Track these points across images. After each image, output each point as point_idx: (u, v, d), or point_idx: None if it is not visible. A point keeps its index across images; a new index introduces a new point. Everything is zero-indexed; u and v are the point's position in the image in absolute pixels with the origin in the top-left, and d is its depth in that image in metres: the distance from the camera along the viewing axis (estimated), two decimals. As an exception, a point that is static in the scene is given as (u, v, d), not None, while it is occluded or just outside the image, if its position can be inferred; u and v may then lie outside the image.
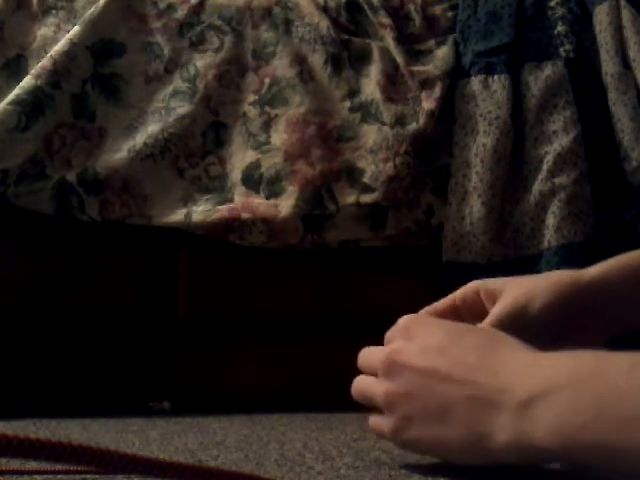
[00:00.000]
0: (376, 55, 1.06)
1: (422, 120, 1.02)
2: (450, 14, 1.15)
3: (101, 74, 0.96)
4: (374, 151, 1.01)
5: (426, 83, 1.05)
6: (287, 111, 1.01)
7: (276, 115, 1.01)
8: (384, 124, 1.02)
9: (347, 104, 1.03)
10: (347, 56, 1.04)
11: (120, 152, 0.95)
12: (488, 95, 1.04)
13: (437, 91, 1.04)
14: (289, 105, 1.01)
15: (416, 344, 0.51)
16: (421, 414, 0.49)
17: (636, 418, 0.39)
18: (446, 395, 0.48)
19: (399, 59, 1.06)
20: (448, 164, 1.04)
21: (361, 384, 0.55)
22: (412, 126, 1.02)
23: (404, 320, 0.55)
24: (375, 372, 0.53)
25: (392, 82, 1.05)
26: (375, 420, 0.53)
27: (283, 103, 1.01)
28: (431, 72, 1.06)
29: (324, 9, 1.08)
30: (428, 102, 1.03)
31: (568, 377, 0.43)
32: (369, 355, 0.55)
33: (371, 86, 1.04)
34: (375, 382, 0.53)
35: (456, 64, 1.08)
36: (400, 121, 1.03)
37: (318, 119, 1.01)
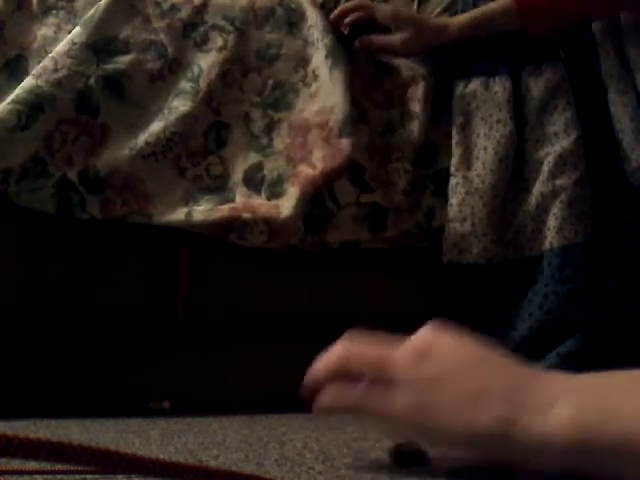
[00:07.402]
0: (360, 57, 1.07)
1: (411, 127, 1.03)
2: (445, 15, 1.15)
3: (104, 69, 0.96)
4: (371, 151, 1.01)
5: (410, 82, 1.06)
6: (290, 116, 1.01)
7: (279, 119, 1.01)
8: (375, 132, 1.02)
9: (348, 96, 1.02)
10: (343, 51, 1.04)
11: (122, 150, 0.94)
12: (489, 97, 1.04)
13: (420, 91, 1.05)
14: (292, 110, 1.01)
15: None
16: (451, 399, 0.46)
17: None
18: (481, 382, 0.45)
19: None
20: (448, 166, 1.04)
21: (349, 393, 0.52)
22: (400, 132, 1.03)
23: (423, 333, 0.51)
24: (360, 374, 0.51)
25: (376, 84, 1.05)
26: (387, 401, 0.49)
27: (286, 107, 1.01)
28: (415, 71, 1.06)
29: (321, 6, 1.08)
30: (414, 104, 1.04)
31: (589, 380, 0.45)
32: (359, 354, 0.53)
33: (357, 91, 1.04)
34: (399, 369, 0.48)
35: (448, 64, 1.08)
36: (389, 128, 1.04)
37: (319, 118, 1.01)
